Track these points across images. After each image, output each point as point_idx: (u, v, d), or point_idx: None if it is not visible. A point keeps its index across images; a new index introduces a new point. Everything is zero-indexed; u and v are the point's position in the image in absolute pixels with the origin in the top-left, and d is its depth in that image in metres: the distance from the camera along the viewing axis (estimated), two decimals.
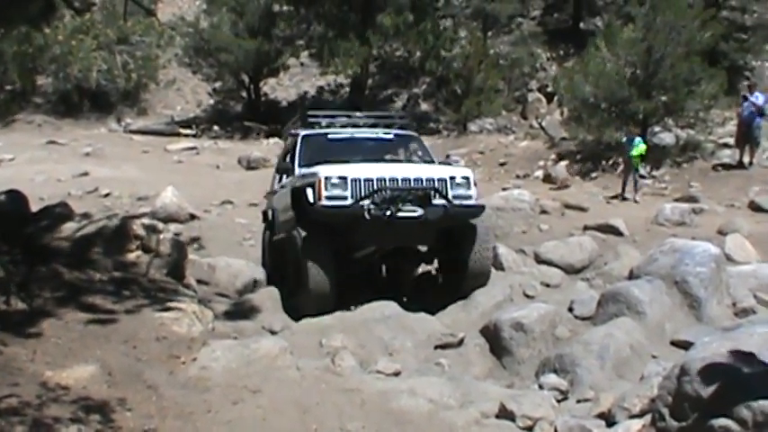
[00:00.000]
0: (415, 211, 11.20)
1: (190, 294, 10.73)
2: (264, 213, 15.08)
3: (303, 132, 13.54)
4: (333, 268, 11.37)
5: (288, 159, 13.51)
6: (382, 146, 13.64)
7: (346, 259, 12.03)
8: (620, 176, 21.59)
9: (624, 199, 20.48)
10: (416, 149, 13.90)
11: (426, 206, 11.29)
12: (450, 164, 14.09)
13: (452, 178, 11.68)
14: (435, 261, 13.40)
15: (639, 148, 20.43)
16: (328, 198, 11.17)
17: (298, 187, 11.94)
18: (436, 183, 11.50)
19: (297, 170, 12.64)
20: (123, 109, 32.45)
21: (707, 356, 6.68)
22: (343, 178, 11.26)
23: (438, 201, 11.42)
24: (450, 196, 11.48)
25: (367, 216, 11.01)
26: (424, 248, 13.01)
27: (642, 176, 21.62)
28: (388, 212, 11.08)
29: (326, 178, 11.23)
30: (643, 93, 23.38)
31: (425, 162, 13.33)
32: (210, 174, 24.28)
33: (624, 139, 21.45)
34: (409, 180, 11.45)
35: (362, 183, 11.26)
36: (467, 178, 11.83)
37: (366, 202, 11.15)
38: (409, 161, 13.54)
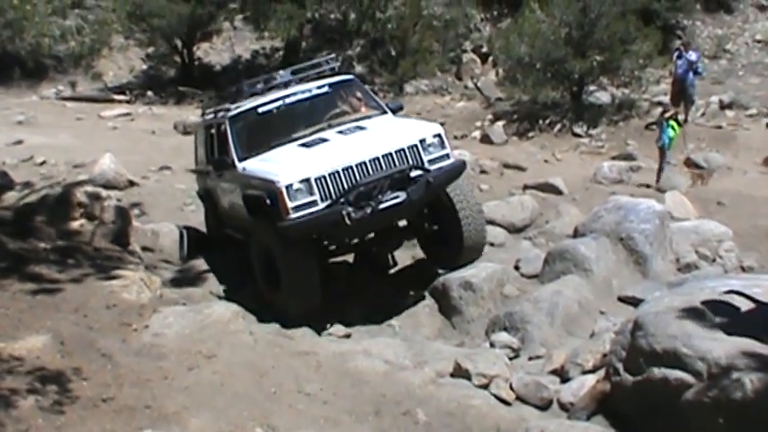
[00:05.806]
0: (397, 197, 9.95)
1: (135, 261, 10.67)
2: (200, 196, 13.87)
3: (229, 114, 11.74)
4: (315, 267, 10.23)
5: (217, 151, 12.10)
6: (321, 102, 12.00)
7: (321, 251, 10.99)
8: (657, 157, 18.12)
9: (659, 190, 16.64)
10: (359, 96, 12.41)
11: (407, 186, 10.02)
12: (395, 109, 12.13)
13: (423, 141, 10.36)
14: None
15: (668, 132, 17.62)
16: (296, 209, 9.68)
17: (253, 195, 10.50)
18: (407, 154, 10.16)
19: (238, 165, 11.01)
20: (75, 73, 31.77)
21: (660, 311, 6.80)
22: (306, 180, 9.77)
23: (416, 173, 10.14)
24: (426, 163, 10.24)
25: (348, 222, 9.70)
26: (402, 223, 11.61)
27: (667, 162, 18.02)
28: (370, 210, 9.82)
29: (287, 187, 9.70)
30: (578, 52, 23.46)
31: (372, 108, 11.97)
32: (147, 140, 23.83)
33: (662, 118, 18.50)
34: (379, 160, 10.01)
35: (329, 179, 9.81)
36: (438, 136, 10.53)
37: (341, 200, 9.80)
38: (357, 120, 11.47)
